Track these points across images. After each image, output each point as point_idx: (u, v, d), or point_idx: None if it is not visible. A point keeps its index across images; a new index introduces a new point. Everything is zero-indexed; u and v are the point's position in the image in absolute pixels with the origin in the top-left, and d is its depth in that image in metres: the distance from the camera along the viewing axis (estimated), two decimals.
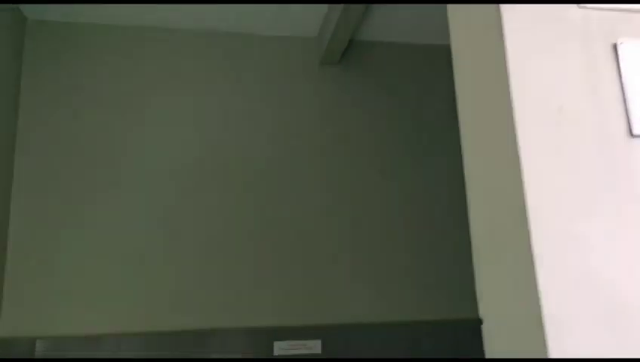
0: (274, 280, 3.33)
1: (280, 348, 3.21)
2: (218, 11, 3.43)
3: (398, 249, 3.52)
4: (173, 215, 3.32)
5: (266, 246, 3.38)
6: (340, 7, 3.16)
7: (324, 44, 3.56)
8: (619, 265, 1.09)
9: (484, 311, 1.28)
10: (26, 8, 3.29)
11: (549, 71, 1.20)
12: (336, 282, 3.39)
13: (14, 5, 3.20)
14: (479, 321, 1.27)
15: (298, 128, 3.63)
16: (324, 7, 3.44)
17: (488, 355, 1.24)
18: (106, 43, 3.49)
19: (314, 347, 3.24)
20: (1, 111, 3.01)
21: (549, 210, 1.11)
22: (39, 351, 2.93)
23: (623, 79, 1.21)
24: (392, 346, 3.31)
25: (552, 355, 1.02)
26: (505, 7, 1.23)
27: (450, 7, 1.55)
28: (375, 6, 3.44)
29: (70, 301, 3.04)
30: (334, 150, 3.65)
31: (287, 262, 3.37)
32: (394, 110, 3.80)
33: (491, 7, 1.27)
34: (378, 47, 3.88)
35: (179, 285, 3.21)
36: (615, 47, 1.24)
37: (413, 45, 3.92)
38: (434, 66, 3.90)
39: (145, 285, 3.16)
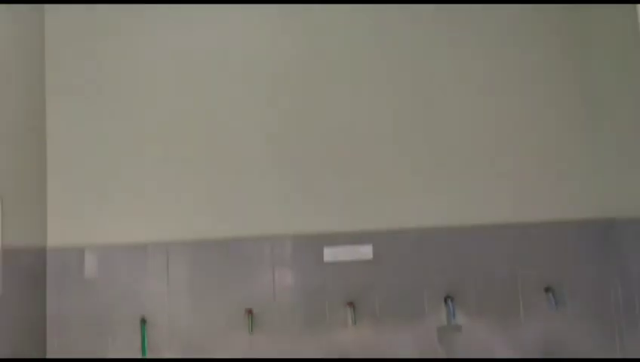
0: (324, 184, 3.15)
1: (330, 254, 3.11)
2: None
3: (451, 153, 3.26)
4: (222, 119, 3.11)
5: (318, 150, 3.16)
6: None
7: None
8: None
9: None
10: None
11: None
12: (389, 187, 3.19)
13: None
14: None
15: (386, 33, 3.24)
16: None
17: None
18: None
19: (365, 252, 3.13)
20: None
21: None
22: (88, 260, 2.92)
23: None
24: (442, 251, 3.17)
25: None
26: None
27: None
28: None
29: (116, 210, 2.97)
30: (412, 50, 3.27)
31: (340, 166, 3.17)
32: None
33: None
34: None
35: (228, 192, 3.07)
36: None
37: None
38: None
39: (193, 193, 3.04)
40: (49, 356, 2.82)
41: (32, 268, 2.70)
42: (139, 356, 2.89)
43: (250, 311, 3.00)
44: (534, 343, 3.19)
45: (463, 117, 3.29)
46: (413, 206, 3.20)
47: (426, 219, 3.19)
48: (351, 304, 3.07)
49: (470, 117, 3.29)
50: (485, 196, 3.25)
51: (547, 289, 3.19)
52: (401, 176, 3.21)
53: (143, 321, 2.90)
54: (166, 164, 3.04)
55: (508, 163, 3.29)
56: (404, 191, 3.20)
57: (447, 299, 3.13)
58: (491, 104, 3.32)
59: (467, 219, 3.22)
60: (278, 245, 3.08)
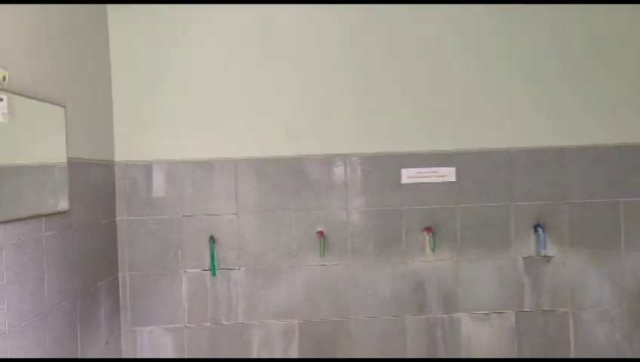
0: (403, 102, 2.87)
1: (408, 176, 2.87)
2: None
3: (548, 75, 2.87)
4: (290, 35, 2.86)
5: (394, 68, 2.87)
6: None
7: None
8: None
9: None
10: None
11: None
12: (474, 105, 2.87)
13: None
14: None
15: None
16: None
17: None
18: None
19: (447, 175, 2.87)
20: None
21: None
22: (156, 176, 2.83)
23: None
24: (532, 175, 2.85)
25: None
26: None
27: None
28: None
29: (184, 126, 2.83)
30: None
31: (421, 83, 2.86)
32: None
33: None
34: None
35: (299, 109, 2.86)
36: None
37: None
38: None
39: (264, 110, 2.85)
40: (120, 273, 2.80)
41: (101, 182, 2.64)
42: (209, 275, 2.81)
43: (321, 233, 2.84)
44: (636, 280, 2.87)
45: (554, 33, 2.87)
46: (500, 125, 2.87)
47: (515, 139, 2.87)
48: (429, 229, 2.85)
49: (562, 33, 2.87)
50: (582, 114, 2.87)
51: None
52: (486, 94, 2.87)
53: (212, 240, 2.81)
54: (236, 80, 2.85)
55: (605, 81, 2.86)
56: (489, 110, 2.88)
57: (536, 227, 2.84)
58: (587, 19, 2.87)
59: (561, 140, 2.86)
60: (353, 165, 2.87)
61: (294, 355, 2.86)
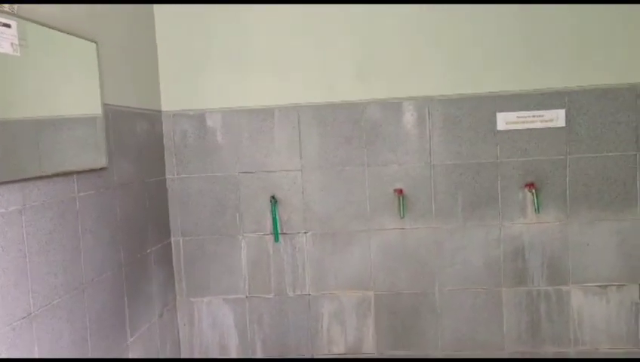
0: (496, 33, 2.34)
1: (506, 121, 2.37)
2: None
3: None
4: None
5: None
6: None
7: None
8: None
9: None
10: None
11: None
12: (585, 37, 2.30)
13: None
14: None
15: None
16: None
17: None
18: None
19: (555, 118, 2.34)
20: None
21: None
22: (209, 125, 2.46)
23: None
24: None
25: None
26: None
27: None
28: None
29: (240, 70, 2.43)
30: None
31: (518, 11, 2.32)
32: None
33: None
34: None
35: (369, 48, 2.40)
36: None
37: None
38: None
39: (326, 48, 2.41)
40: (173, 238, 2.49)
41: (146, 135, 2.30)
42: (271, 240, 2.46)
43: (400, 191, 2.41)
44: None
45: None
46: (623, 56, 2.29)
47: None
48: (532, 185, 2.35)
49: None
50: None
51: None
52: (600, 23, 2.29)
53: (274, 200, 2.44)
54: (297, 15, 2.40)
55: None
56: (605, 41, 2.30)
57: None
58: None
59: None
60: (436, 108, 2.39)
61: (370, 330, 2.49)
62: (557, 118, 2.34)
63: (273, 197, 2.45)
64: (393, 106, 2.41)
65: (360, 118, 2.42)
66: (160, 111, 2.45)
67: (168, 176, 2.47)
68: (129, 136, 2.11)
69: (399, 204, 2.40)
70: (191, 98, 2.45)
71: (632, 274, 2.37)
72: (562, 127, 2.34)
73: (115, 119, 1.98)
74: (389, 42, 2.38)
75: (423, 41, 2.37)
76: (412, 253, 2.46)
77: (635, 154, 2.32)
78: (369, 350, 2.50)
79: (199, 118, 2.46)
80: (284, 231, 2.47)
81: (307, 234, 2.48)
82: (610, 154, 2.33)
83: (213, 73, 2.44)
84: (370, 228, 2.46)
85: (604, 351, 2.39)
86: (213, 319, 2.52)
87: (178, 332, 2.52)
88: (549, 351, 2.42)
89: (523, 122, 2.36)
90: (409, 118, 2.41)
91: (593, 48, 2.30)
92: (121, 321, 1.98)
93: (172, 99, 2.45)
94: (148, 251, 2.23)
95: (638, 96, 2.30)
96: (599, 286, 2.38)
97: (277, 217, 2.43)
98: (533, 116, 2.35)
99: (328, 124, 2.44)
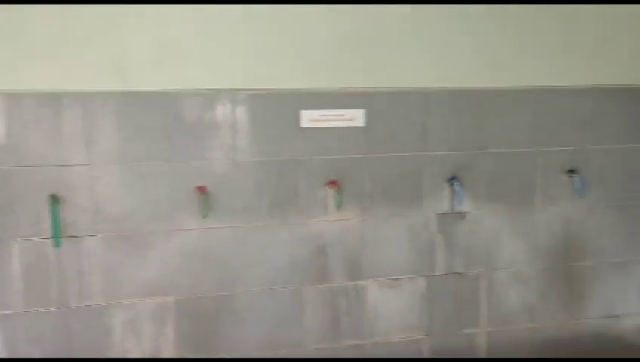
0: (304, 30, 2.33)
1: (309, 119, 2.37)
2: None
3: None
4: None
5: None
6: None
7: None
8: None
9: None
10: None
11: None
12: (388, 37, 2.40)
13: None
14: None
15: None
16: None
17: None
18: None
19: (355, 118, 2.41)
20: None
21: None
22: None
23: None
24: (449, 120, 2.49)
25: None
26: None
27: None
28: None
29: (19, 53, 2.06)
30: None
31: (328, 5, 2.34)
32: None
33: None
34: None
35: (171, 31, 2.21)
36: None
37: None
38: None
39: (117, 40, 2.16)
40: None
41: None
42: (52, 245, 2.14)
43: (202, 189, 2.27)
44: (551, 237, 2.65)
45: None
46: (418, 61, 2.44)
47: (434, 79, 2.46)
48: (334, 183, 2.39)
49: None
50: (503, 56, 2.52)
51: (571, 172, 2.61)
52: (405, 24, 2.41)
53: (54, 199, 2.13)
54: None
55: (529, 22, 2.52)
56: (404, 44, 2.43)
57: (452, 179, 2.50)
58: None
59: (480, 81, 2.51)
60: (242, 104, 2.31)
61: (170, 339, 2.32)
62: (357, 117, 2.40)
63: (54, 195, 2.13)
64: (196, 99, 2.26)
65: (160, 109, 2.23)
66: None
67: None
68: None
69: (201, 203, 2.26)
70: None
71: (421, 266, 2.53)
72: (362, 127, 2.41)
73: None
74: (192, 31, 2.23)
75: (229, 31, 2.26)
76: (215, 254, 2.34)
77: (423, 155, 2.48)
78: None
79: None
80: (70, 234, 2.17)
81: (97, 236, 2.21)
82: (403, 154, 2.46)
83: None
84: (170, 228, 2.28)
85: (396, 341, 2.53)
86: None
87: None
88: (348, 345, 2.48)
89: (326, 120, 2.38)
90: (213, 111, 2.28)
91: (389, 52, 2.40)
92: None
93: None
94: None
95: (428, 99, 2.46)
96: (393, 279, 2.51)
97: (58, 218, 2.11)
98: (336, 115, 2.39)
99: (123, 114, 2.20)
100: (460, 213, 2.54)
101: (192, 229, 2.30)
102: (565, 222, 2.64)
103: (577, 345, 2.71)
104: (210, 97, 2.27)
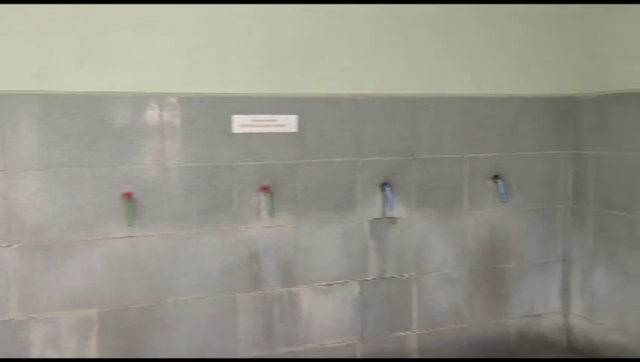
0: (235, 35, 2.29)
1: (241, 124, 2.33)
2: None
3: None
4: None
5: None
6: None
7: None
8: None
9: None
10: None
11: None
12: (321, 44, 2.41)
13: None
14: None
15: None
16: None
17: None
18: None
19: (288, 124, 2.39)
20: None
21: None
22: None
23: None
24: (382, 126, 2.52)
25: None
26: None
27: None
28: None
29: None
30: None
31: (262, 8, 2.30)
32: None
33: None
34: None
35: (95, 32, 2.11)
36: None
37: None
38: None
39: (36, 40, 2.04)
40: None
41: None
42: None
43: (129, 196, 2.18)
44: (477, 240, 2.74)
45: None
46: (348, 67, 2.46)
47: (364, 85, 2.49)
48: (267, 189, 2.36)
49: None
50: (432, 64, 2.59)
51: (496, 177, 2.71)
52: (335, 29, 2.43)
53: None
54: None
55: (457, 32, 2.61)
56: (337, 50, 2.44)
57: (384, 185, 2.53)
58: None
59: (409, 88, 2.56)
60: (172, 109, 2.24)
61: (93, 353, 2.20)
62: (290, 123, 2.39)
63: None
64: (123, 102, 2.17)
65: (83, 112, 2.12)
66: None
67: None
68: None
69: (127, 210, 2.17)
70: None
71: (354, 271, 2.55)
72: (294, 133, 2.40)
73: None
74: (120, 33, 2.14)
75: (158, 34, 2.19)
76: (143, 263, 2.25)
77: (356, 161, 2.50)
78: None
79: None
80: None
81: (11, 247, 2.07)
82: (336, 160, 2.47)
83: None
84: (93, 237, 2.18)
85: (331, 346, 2.53)
86: None
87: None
88: (282, 352, 2.45)
89: (258, 126, 2.35)
90: (141, 116, 2.20)
91: (322, 59, 2.41)
92: None
93: None
94: None
95: (359, 106, 2.49)
96: (326, 284, 2.51)
97: None
98: (268, 120, 2.36)
99: (43, 117, 2.08)
100: (391, 218, 2.58)
101: (117, 238, 2.20)
102: (490, 226, 2.74)
103: (502, 344, 2.81)
104: (138, 101, 2.19)
